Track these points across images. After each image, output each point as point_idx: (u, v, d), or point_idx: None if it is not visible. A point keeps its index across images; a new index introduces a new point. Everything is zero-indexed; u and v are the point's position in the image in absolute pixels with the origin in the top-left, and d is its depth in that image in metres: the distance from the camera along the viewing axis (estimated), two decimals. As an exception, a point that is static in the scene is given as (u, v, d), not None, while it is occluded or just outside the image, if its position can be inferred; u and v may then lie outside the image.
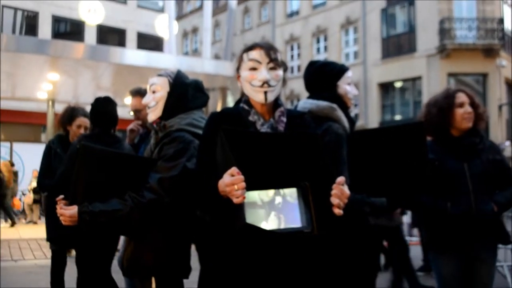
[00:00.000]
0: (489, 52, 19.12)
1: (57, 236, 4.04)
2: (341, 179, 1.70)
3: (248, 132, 1.88)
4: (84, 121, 4.15)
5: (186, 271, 2.35)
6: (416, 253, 7.47)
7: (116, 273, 3.25)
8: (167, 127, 2.37)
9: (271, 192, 1.77)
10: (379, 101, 21.86)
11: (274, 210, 1.75)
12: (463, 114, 2.87)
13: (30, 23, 21.27)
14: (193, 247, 2.46)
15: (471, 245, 2.79)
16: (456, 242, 2.78)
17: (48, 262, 4.77)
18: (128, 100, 3.67)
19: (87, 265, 3.54)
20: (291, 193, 1.78)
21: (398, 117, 21.32)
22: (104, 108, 3.45)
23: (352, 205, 1.75)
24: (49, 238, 4.26)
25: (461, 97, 2.91)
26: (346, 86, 2.55)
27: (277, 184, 1.78)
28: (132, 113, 3.64)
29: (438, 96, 3.00)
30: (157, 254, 2.25)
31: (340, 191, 1.68)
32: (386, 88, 21.88)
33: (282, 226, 1.74)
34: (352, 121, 2.52)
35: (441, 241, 2.82)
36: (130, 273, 2.36)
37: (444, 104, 2.90)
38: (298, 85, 20.88)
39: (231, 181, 1.62)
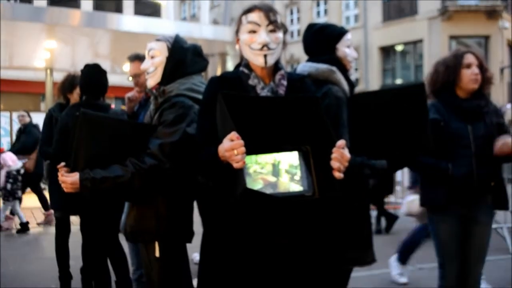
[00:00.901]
0: (492, 14, 18.85)
1: (61, 203, 4.08)
2: (341, 142, 1.69)
3: (247, 97, 1.86)
4: None
5: (189, 235, 2.36)
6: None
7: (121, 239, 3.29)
8: (167, 92, 2.34)
9: (271, 156, 1.77)
10: (380, 65, 21.70)
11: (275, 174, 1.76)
12: (470, 75, 2.87)
13: (25, -10, 20.91)
14: (196, 211, 2.46)
15: (469, 207, 2.81)
16: (455, 204, 2.80)
17: (52, 229, 4.82)
18: (127, 67, 3.65)
19: (92, 231, 3.58)
20: (292, 157, 1.78)
21: (399, 81, 21.19)
22: (94, 75, 3.47)
23: (352, 168, 1.75)
24: (53, 205, 4.31)
25: (469, 58, 2.90)
26: (345, 49, 2.52)
27: (278, 148, 1.77)
28: (131, 78, 3.64)
29: (447, 55, 2.99)
30: (160, 219, 2.26)
31: (340, 155, 1.67)
32: (387, 51, 21.68)
33: (283, 190, 1.74)
34: (351, 84, 2.49)
35: (440, 202, 2.84)
36: (133, 238, 2.38)
37: (451, 63, 2.90)
38: (298, 50, 20.66)
39: (230, 146, 1.61)
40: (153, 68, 2.38)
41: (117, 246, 3.71)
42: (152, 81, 2.40)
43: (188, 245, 2.40)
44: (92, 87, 3.54)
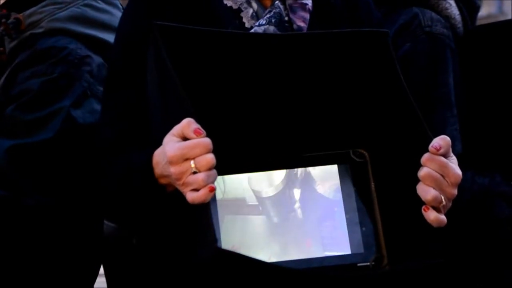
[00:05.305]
0: None
1: None
2: (440, 141, 0.93)
3: (219, 34, 1.08)
4: None
5: None
6: None
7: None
8: (25, 26, 1.44)
9: (277, 176, 1.07)
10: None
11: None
12: None
13: None
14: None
15: None
16: None
17: None
18: None
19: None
20: (324, 177, 1.09)
21: None
22: None
23: (468, 201, 1.14)
24: None
25: None
26: None
27: (291, 157, 1.08)
28: None
29: None
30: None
31: (440, 168, 0.93)
32: None
33: (308, 254, 1.05)
34: (471, 5, 1.44)
35: None
36: None
37: None
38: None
39: (182, 151, 0.91)
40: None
41: None
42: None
43: None
44: None
